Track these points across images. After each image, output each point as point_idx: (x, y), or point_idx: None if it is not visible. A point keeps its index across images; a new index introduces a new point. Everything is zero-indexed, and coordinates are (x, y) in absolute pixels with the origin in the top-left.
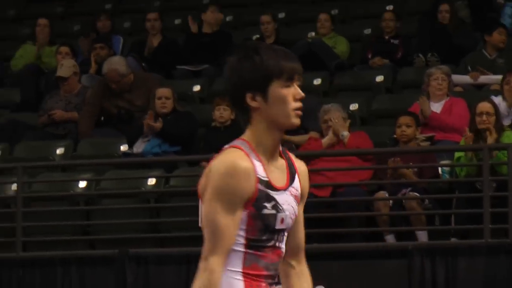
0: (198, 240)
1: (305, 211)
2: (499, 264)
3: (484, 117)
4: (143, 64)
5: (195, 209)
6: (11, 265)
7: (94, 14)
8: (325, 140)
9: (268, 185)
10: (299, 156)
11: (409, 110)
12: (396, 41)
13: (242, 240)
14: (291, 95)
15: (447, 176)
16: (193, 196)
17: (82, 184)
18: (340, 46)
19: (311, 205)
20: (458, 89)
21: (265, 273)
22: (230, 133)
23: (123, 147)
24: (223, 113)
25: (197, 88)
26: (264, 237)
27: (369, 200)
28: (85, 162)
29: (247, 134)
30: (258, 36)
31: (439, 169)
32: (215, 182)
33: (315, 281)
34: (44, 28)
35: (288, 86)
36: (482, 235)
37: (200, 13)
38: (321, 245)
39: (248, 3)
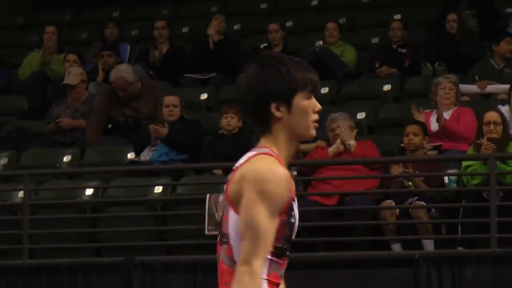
0: (204, 248)
1: (311, 220)
2: (505, 273)
3: (492, 127)
4: (151, 72)
5: (202, 217)
6: (18, 273)
7: (102, 22)
8: (332, 149)
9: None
10: (306, 165)
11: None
12: (403, 50)
13: (271, 247)
14: (311, 107)
15: (454, 185)
16: (200, 204)
17: (89, 191)
18: (348, 54)
19: (318, 213)
20: (465, 98)
21: (280, 282)
22: (237, 141)
23: (130, 155)
24: (230, 121)
25: (204, 96)
26: (285, 246)
27: (376, 208)
28: (92, 170)
29: (267, 143)
30: (265, 44)
31: (446, 178)
32: (259, 187)
33: None
34: (52, 36)
35: (309, 98)
36: (488, 244)
37: (208, 21)
38: (327, 253)
39: (256, 11)
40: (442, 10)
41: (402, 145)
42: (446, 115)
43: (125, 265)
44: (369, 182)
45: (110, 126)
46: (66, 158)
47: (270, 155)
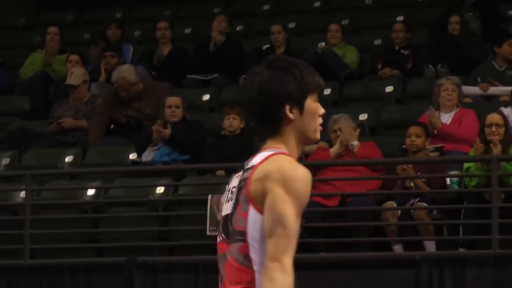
0: (206, 248)
1: (313, 220)
2: (507, 274)
3: (494, 128)
4: (153, 73)
5: (204, 218)
6: (19, 273)
7: (104, 22)
8: (333, 150)
9: None
10: (308, 166)
11: (418, 120)
12: (406, 52)
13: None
14: (318, 111)
15: (455, 186)
16: (202, 204)
17: (91, 192)
18: (350, 56)
19: (319, 214)
20: (467, 100)
21: None
22: (239, 142)
23: (132, 156)
24: (232, 122)
25: (206, 97)
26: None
27: (378, 210)
28: (93, 170)
29: (277, 144)
30: (268, 45)
31: (448, 179)
32: (287, 185)
33: None
34: (54, 36)
35: (316, 101)
36: (490, 246)
37: (210, 23)
38: (329, 254)
39: (259, 12)
40: (444, 12)
41: (404, 146)
42: (449, 116)
43: (126, 265)
44: (371, 183)
45: (112, 126)
46: (68, 159)
47: (288, 155)
